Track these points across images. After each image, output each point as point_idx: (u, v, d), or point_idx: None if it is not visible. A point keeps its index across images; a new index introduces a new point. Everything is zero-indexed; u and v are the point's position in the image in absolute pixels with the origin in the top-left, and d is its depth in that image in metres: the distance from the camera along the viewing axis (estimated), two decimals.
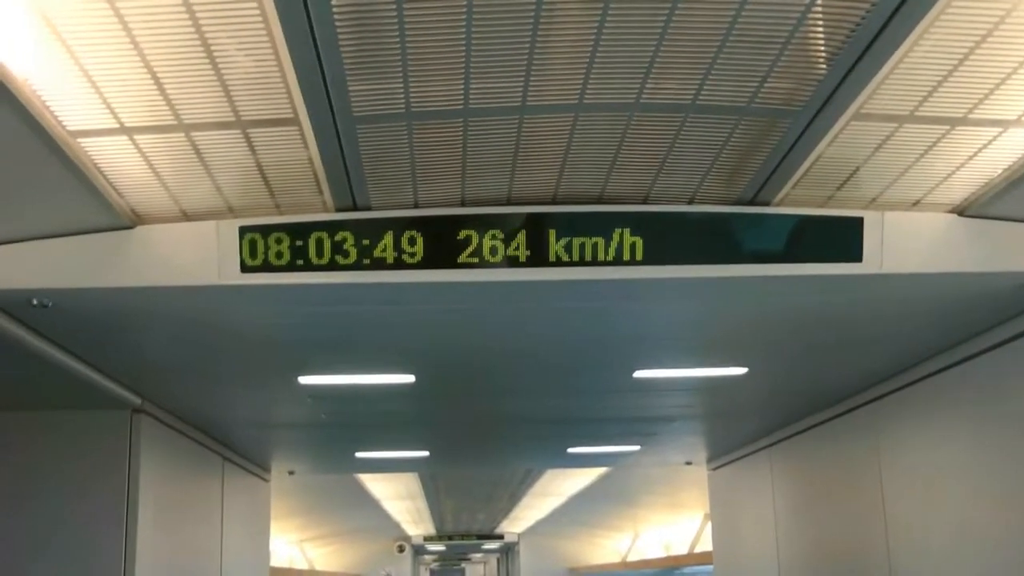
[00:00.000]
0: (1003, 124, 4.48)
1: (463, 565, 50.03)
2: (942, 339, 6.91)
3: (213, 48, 3.74)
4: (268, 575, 13.47)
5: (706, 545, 15.87)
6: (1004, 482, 6.50)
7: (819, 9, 3.68)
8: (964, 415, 7.03)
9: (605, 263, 5.12)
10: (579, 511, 22.08)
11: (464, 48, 3.83)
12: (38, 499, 7.65)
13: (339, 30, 3.65)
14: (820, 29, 3.83)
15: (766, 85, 4.18)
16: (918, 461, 7.77)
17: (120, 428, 7.87)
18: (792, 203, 5.21)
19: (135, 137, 4.33)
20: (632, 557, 24.87)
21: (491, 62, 3.95)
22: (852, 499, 9.02)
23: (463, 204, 5.13)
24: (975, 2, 3.64)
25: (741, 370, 7.71)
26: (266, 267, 5.08)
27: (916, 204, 5.25)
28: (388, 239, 5.07)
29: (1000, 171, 4.90)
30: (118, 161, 4.51)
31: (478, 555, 43.43)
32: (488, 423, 10.42)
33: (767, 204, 5.21)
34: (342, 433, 10.64)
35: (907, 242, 5.29)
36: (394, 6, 3.55)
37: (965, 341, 6.82)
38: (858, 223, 5.26)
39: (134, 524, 7.73)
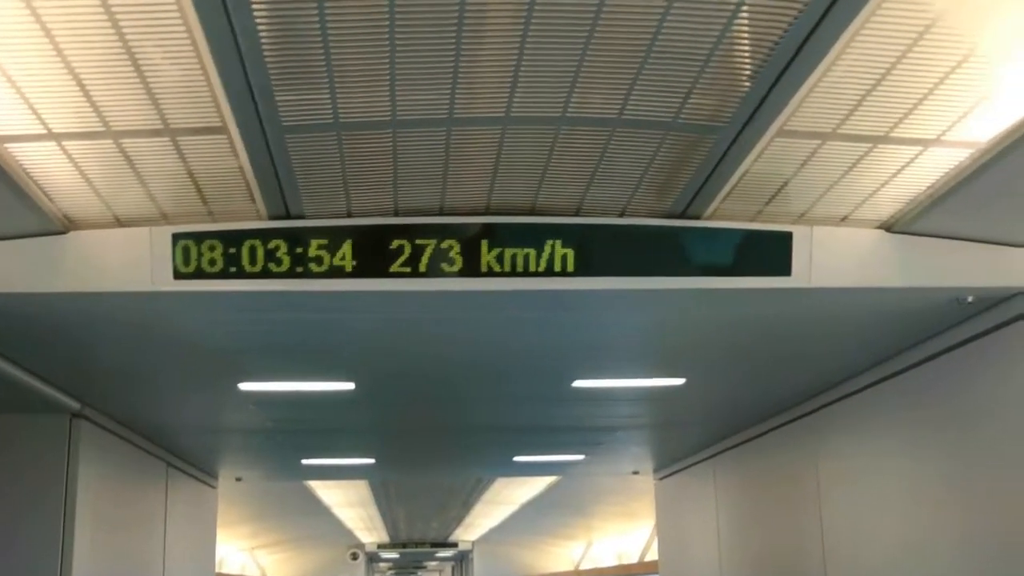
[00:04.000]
0: (923, 143, 4.56)
1: (418, 573, 49.80)
2: (873, 352, 7.01)
3: (138, 56, 3.75)
4: None
5: (656, 554, 15.93)
6: (939, 490, 6.59)
7: (739, 26, 3.75)
8: (899, 426, 7.13)
9: (537, 274, 5.16)
10: (533, 519, 22.07)
11: (388, 59, 3.85)
12: None
13: (263, 40, 3.67)
14: (741, 46, 3.89)
15: (690, 101, 4.24)
16: (855, 471, 7.86)
17: (58, 433, 7.81)
18: (722, 217, 5.28)
19: (63, 143, 4.33)
20: (585, 565, 24.92)
21: (416, 74, 3.98)
22: (792, 509, 9.12)
23: (396, 214, 5.16)
24: (890, 23, 3.71)
25: (678, 381, 7.77)
26: (199, 274, 5.08)
27: (844, 220, 5.33)
28: (321, 248, 5.09)
29: (924, 188, 4.99)
30: (48, 167, 4.51)
31: (433, 563, 43.27)
32: (432, 430, 10.43)
33: (698, 218, 5.28)
34: (287, 440, 10.61)
35: (835, 257, 5.37)
36: (316, 16, 3.57)
37: (897, 354, 6.92)
38: (787, 237, 5.33)
39: (71, 531, 7.66)
